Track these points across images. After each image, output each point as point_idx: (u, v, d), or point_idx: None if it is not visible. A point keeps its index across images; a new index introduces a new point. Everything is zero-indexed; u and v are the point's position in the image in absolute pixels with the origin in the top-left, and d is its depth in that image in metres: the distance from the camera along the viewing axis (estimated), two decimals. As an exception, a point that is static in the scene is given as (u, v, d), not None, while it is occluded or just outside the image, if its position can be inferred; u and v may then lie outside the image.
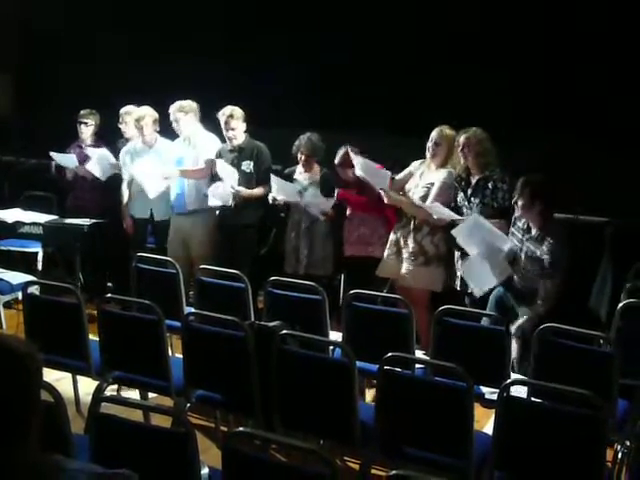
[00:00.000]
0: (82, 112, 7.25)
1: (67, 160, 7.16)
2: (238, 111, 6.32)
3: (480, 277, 5.11)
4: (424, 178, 5.74)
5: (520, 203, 5.06)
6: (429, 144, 5.67)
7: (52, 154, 7.16)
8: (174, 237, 6.66)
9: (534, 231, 5.10)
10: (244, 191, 6.29)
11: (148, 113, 6.70)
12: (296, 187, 6.15)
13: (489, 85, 6.61)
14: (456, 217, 5.42)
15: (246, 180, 6.36)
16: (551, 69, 6.54)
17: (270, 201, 6.17)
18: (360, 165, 5.78)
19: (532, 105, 6.53)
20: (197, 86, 6.91)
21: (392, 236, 5.82)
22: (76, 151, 7.24)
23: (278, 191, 6.10)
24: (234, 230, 6.41)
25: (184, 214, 6.58)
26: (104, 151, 6.97)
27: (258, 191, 6.34)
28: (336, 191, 6.05)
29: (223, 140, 6.51)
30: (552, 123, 6.34)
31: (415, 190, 5.74)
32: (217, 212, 6.54)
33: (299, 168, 6.30)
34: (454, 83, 6.78)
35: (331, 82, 7.48)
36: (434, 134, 5.66)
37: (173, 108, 6.48)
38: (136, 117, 6.74)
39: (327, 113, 7.17)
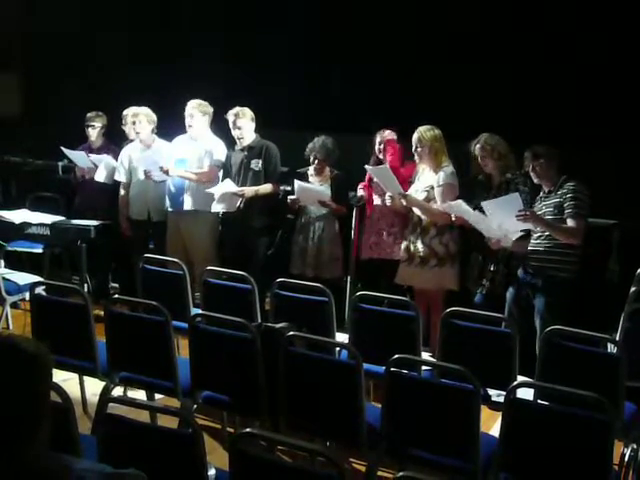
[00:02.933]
0: (89, 115, 7.27)
1: (79, 158, 7.16)
2: (246, 111, 6.33)
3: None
4: (422, 181, 5.77)
5: (530, 168, 5.19)
6: (413, 149, 5.70)
7: (64, 149, 7.16)
8: (173, 236, 6.66)
9: (546, 191, 5.19)
10: (248, 190, 6.28)
11: (143, 112, 6.74)
12: (322, 192, 6.13)
13: (490, 87, 6.61)
14: (476, 215, 5.40)
15: (255, 178, 6.35)
16: (552, 70, 6.53)
17: (288, 202, 6.17)
18: (374, 171, 5.80)
19: (533, 107, 6.52)
20: (200, 88, 6.92)
21: (403, 243, 5.83)
22: (86, 154, 7.25)
23: (301, 197, 6.11)
24: (242, 236, 6.42)
25: (183, 212, 6.58)
26: (106, 158, 6.98)
27: (265, 188, 6.34)
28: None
29: (228, 144, 6.53)
30: (556, 124, 6.33)
31: (415, 195, 5.74)
32: (220, 213, 6.56)
33: (311, 170, 6.31)
34: (456, 84, 6.77)
35: (335, 83, 7.49)
36: (413, 139, 5.69)
37: (193, 103, 6.49)
38: (131, 114, 6.80)
39: (330, 115, 7.18)
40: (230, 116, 6.33)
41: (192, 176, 6.51)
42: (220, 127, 6.59)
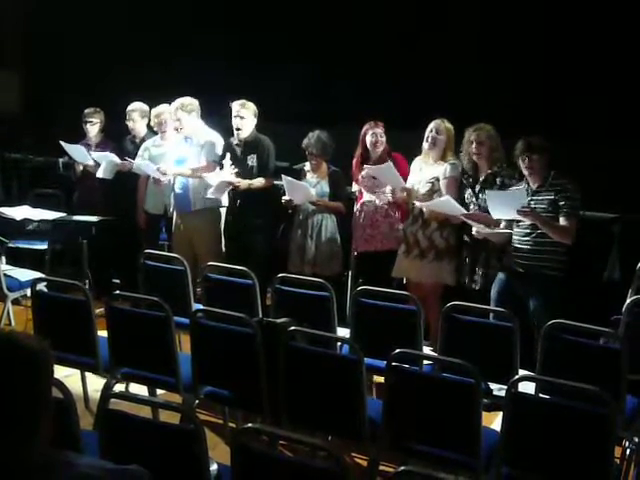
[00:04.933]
0: (86, 111, 7.26)
1: (77, 152, 7.15)
2: (251, 104, 6.33)
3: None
4: (426, 172, 5.71)
5: (521, 160, 5.10)
6: (428, 134, 5.63)
7: (62, 143, 7.15)
8: (179, 236, 6.65)
9: (535, 186, 5.11)
10: (243, 183, 6.26)
11: (167, 110, 6.73)
12: (308, 187, 6.10)
13: (490, 82, 6.61)
14: (463, 211, 5.38)
15: (251, 174, 6.32)
16: (552, 64, 6.53)
17: (283, 202, 6.14)
18: (376, 171, 5.78)
19: (534, 101, 6.52)
20: (201, 85, 6.92)
21: (402, 234, 5.81)
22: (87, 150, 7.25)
23: (290, 193, 6.09)
24: (242, 231, 6.41)
25: (189, 213, 6.57)
26: (109, 155, 6.96)
27: (258, 182, 6.31)
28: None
29: (225, 137, 6.52)
30: (556, 118, 6.33)
31: (419, 186, 5.71)
32: (223, 211, 6.54)
33: (308, 165, 6.28)
34: (454, 80, 6.77)
35: (335, 79, 7.49)
36: (433, 124, 5.62)
37: (176, 105, 6.47)
38: (155, 113, 6.82)
39: (332, 109, 7.17)
40: (235, 105, 6.30)
41: (189, 172, 6.50)
42: (216, 123, 6.57)
